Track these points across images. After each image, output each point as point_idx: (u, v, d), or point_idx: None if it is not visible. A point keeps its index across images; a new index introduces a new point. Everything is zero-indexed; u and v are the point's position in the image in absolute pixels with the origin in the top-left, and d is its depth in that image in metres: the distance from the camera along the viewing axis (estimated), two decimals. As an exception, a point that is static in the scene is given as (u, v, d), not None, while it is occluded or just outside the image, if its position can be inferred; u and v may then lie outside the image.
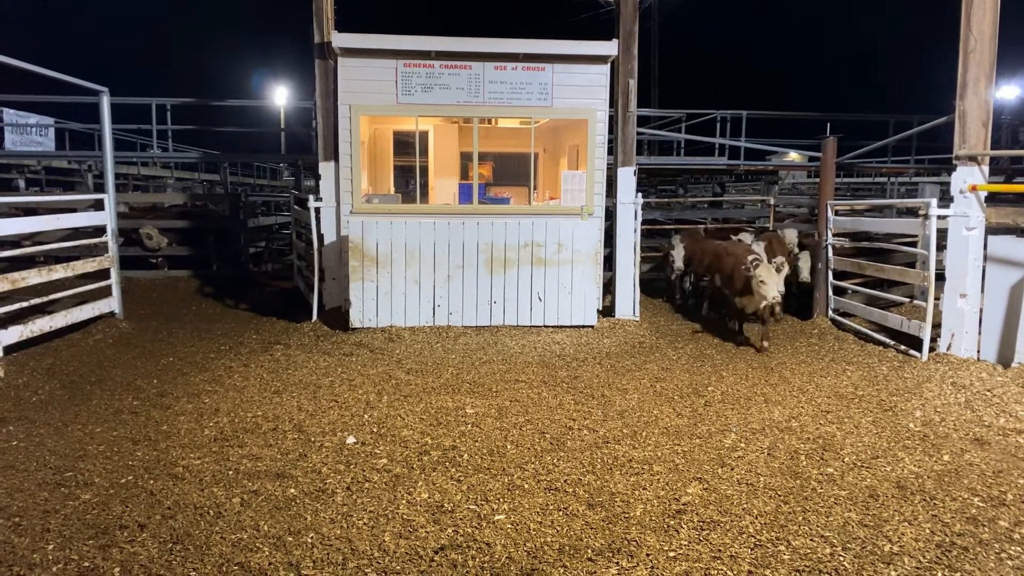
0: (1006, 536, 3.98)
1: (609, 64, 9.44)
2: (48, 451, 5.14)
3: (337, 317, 9.43)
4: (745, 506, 4.30)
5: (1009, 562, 3.72)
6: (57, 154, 18.14)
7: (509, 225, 9.07)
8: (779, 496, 4.43)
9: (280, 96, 22.72)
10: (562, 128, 11.01)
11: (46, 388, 6.64)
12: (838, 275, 9.59)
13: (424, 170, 10.21)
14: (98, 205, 9.29)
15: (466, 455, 5.08)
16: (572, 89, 9.36)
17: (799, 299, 10.37)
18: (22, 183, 17.21)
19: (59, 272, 8.31)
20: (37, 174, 17.95)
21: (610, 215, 10.23)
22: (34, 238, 11.17)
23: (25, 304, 7.73)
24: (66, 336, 8.26)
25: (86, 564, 3.66)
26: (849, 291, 9.66)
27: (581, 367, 7.41)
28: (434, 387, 6.67)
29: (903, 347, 7.90)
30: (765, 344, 8.17)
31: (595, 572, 3.60)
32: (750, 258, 8.16)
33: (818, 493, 4.48)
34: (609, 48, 9.29)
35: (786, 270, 8.24)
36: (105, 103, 9.14)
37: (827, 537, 3.94)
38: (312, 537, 3.92)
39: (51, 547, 3.81)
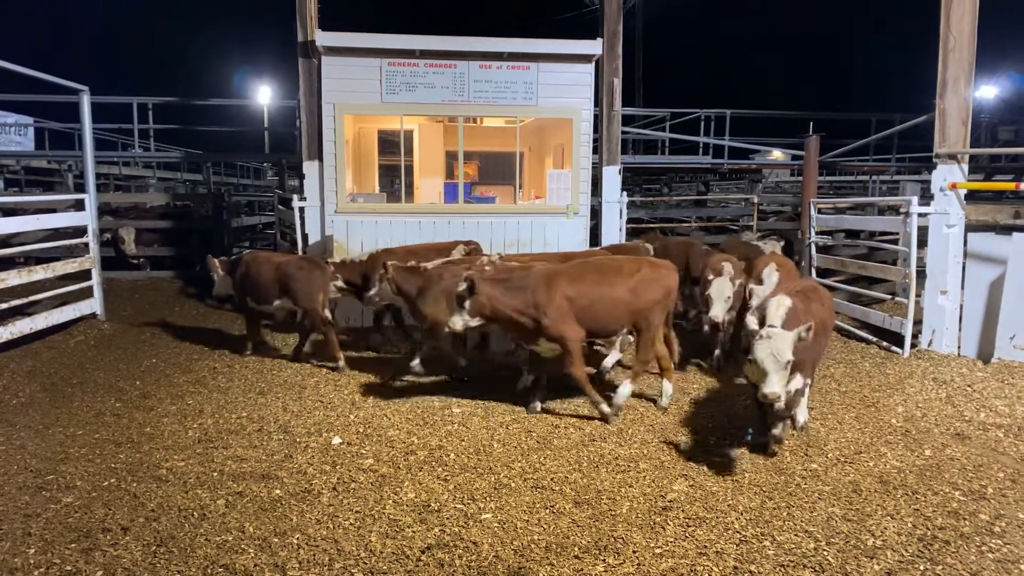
0: (987, 529, 4.03)
1: (594, 63, 9.45)
2: (29, 454, 5.08)
3: (322, 317, 9.37)
4: (730, 502, 4.33)
5: (990, 555, 3.77)
6: (37, 154, 17.90)
7: (495, 224, 9.06)
8: (764, 492, 4.47)
9: (263, 95, 22.55)
10: (547, 127, 11.00)
11: (27, 390, 6.55)
12: (821, 272, 9.66)
13: (409, 169, 10.17)
14: (79, 205, 9.19)
15: (452, 454, 5.07)
16: (557, 88, 9.36)
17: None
18: (1, 183, 16.98)
19: (39, 273, 8.21)
20: (16, 174, 17.70)
21: (595, 214, 10.25)
22: (14, 239, 11.02)
23: (5, 306, 7.63)
24: (47, 338, 8.16)
25: (68, 568, 3.62)
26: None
27: (567, 365, 7.41)
28: (420, 386, 6.65)
29: (885, 343, 7.98)
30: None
31: (582, 570, 3.61)
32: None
33: (802, 489, 4.52)
34: (594, 47, 9.30)
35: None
36: (85, 102, 9.03)
37: (811, 532, 3.98)
38: (298, 538, 3.90)
39: (32, 551, 3.77)
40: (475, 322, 5.61)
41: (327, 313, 7.37)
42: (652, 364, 6.17)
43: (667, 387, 6.16)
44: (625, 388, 5.86)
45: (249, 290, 7.55)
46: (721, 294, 6.55)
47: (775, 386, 4.27)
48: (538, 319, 5.54)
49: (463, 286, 5.51)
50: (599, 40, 9.44)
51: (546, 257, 7.40)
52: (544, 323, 5.53)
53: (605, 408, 5.75)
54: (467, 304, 5.50)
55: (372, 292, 6.72)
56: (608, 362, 6.95)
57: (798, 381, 4.71)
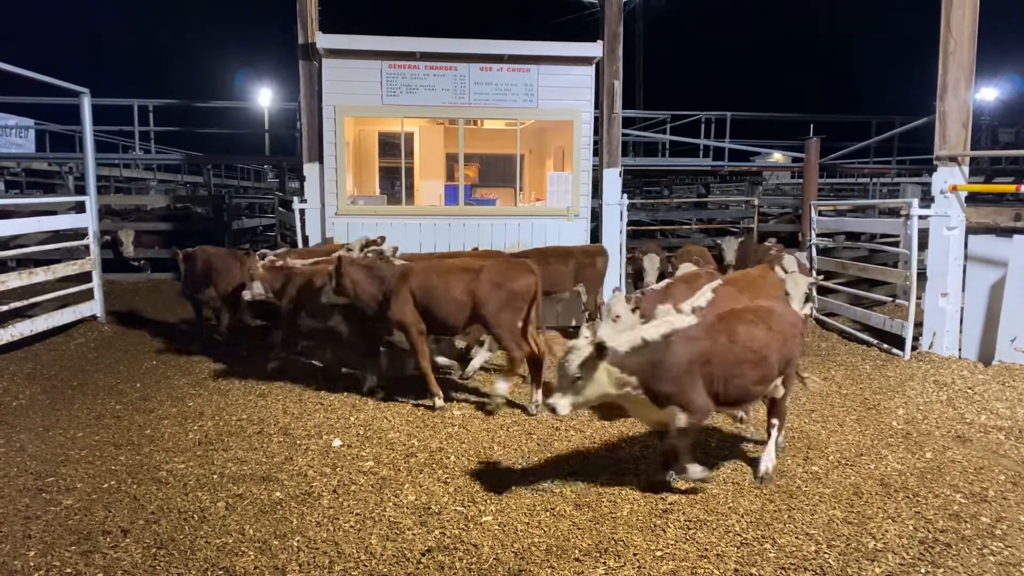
0: (988, 532, 4.03)
1: (594, 65, 9.45)
2: (29, 456, 5.07)
3: (323, 319, 9.37)
4: (731, 505, 4.32)
5: (991, 558, 3.76)
6: (37, 156, 17.91)
7: (496, 226, 9.06)
8: (764, 495, 4.46)
9: (264, 97, 22.55)
10: (548, 129, 11.01)
11: (27, 393, 6.55)
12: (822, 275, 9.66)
13: (409, 171, 10.17)
14: (79, 207, 9.19)
15: (453, 457, 5.07)
16: (557, 90, 9.36)
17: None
18: (1, 185, 16.99)
19: (40, 275, 8.21)
20: (17, 176, 17.71)
21: (596, 216, 10.25)
22: (14, 241, 11.02)
23: (5, 308, 7.63)
24: (47, 340, 8.16)
25: (68, 570, 3.61)
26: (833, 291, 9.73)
27: (568, 368, 7.40)
28: (420, 388, 6.64)
29: (886, 346, 7.97)
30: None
31: (583, 572, 3.61)
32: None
33: (803, 491, 4.51)
34: (594, 49, 9.30)
35: None
36: (86, 104, 9.04)
37: (812, 535, 3.97)
38: (298, 541, 3.90)
39: (32, 553, 3.76)
40: (342, 300, 6.25)
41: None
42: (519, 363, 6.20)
43: (500, 387, 6.10)
44: (537, 395, 6.04)
45: (194, 280, 8.23)
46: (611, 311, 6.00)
47: (552, 397, 4.05)
48: (385, 306, 6.08)
49: (332, 267, 6.11)
50: (599, 42, 9.45)
51: (423, 256, 7.79)
52: (389, 308, 6.06)
53: (439, 402, 6.11)
54: (332, 283, 6.08)
55: (245, 290, 6.97)
56: (471, 368, 7.08)
57: (680, 419, 4.12)
